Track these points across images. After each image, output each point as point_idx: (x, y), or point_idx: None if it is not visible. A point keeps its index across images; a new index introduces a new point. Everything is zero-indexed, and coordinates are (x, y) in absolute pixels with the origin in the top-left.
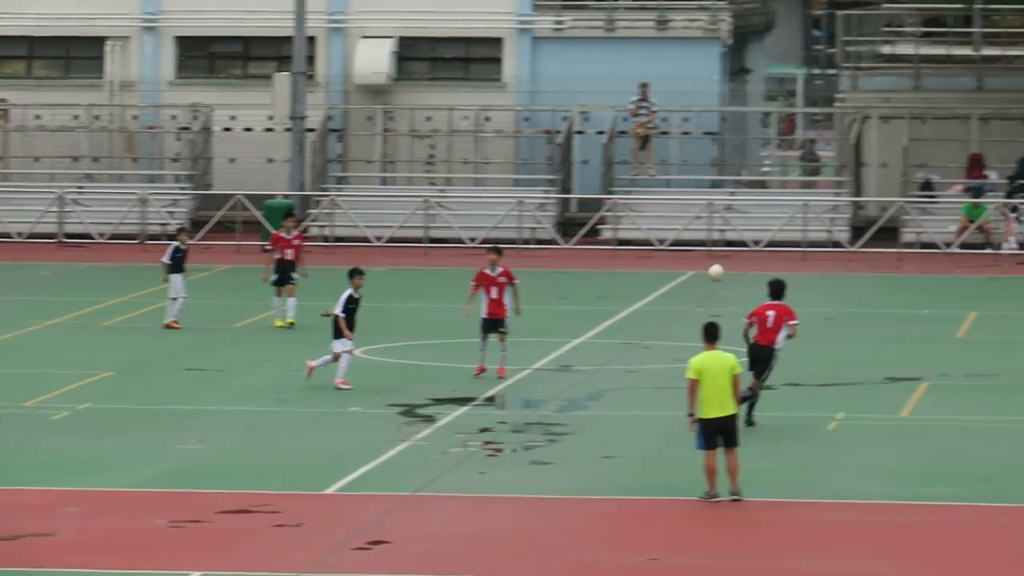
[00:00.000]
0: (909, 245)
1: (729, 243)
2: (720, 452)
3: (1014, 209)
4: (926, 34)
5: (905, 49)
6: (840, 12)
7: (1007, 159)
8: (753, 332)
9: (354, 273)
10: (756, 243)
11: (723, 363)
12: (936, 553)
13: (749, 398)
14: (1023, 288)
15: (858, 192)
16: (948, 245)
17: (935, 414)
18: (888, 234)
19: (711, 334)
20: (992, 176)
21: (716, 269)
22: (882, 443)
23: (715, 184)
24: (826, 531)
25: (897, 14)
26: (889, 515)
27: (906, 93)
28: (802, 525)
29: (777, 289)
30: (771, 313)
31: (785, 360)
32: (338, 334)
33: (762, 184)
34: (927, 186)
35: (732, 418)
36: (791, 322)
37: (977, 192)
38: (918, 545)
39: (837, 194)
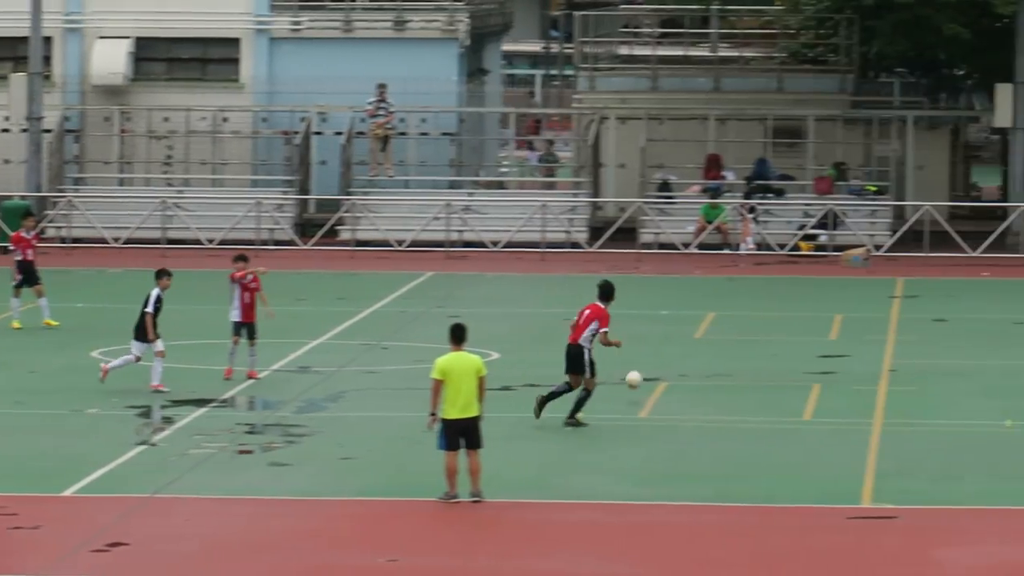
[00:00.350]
0: (647, 246)
1: (467, 244)
2: (462, 453)
3: (751, 210)
4: (663, 35)
5: (642, 50)
6: (577, 13)
7: (744, 160)
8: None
9: (161, 274)
10: (495, 244)
11: (469, 365)
12: (676, 553)
13: (562, 392)
14: (760, 288)
15: (596, 193)
16: (686, 245)
17: (674, 414)
18: (627, 235)
19: (457, 335)
20: (730, 177)
21: (634, 377)
22: (622, 443)
23: (453, 185)
24: (567, 532)
25: (634, 15)
26: (630, 515)
27: (643, 94)
28: (543, 526)
29: (602, 291)
30: (586, 312)
31: (522, 361)
32: (141, 335)
33: (500, 185)
34: (665, 187)
35: (475, 420)
36: (602, 329)
37: (715, 193)
38: (659, 545)
39: (575, 195)
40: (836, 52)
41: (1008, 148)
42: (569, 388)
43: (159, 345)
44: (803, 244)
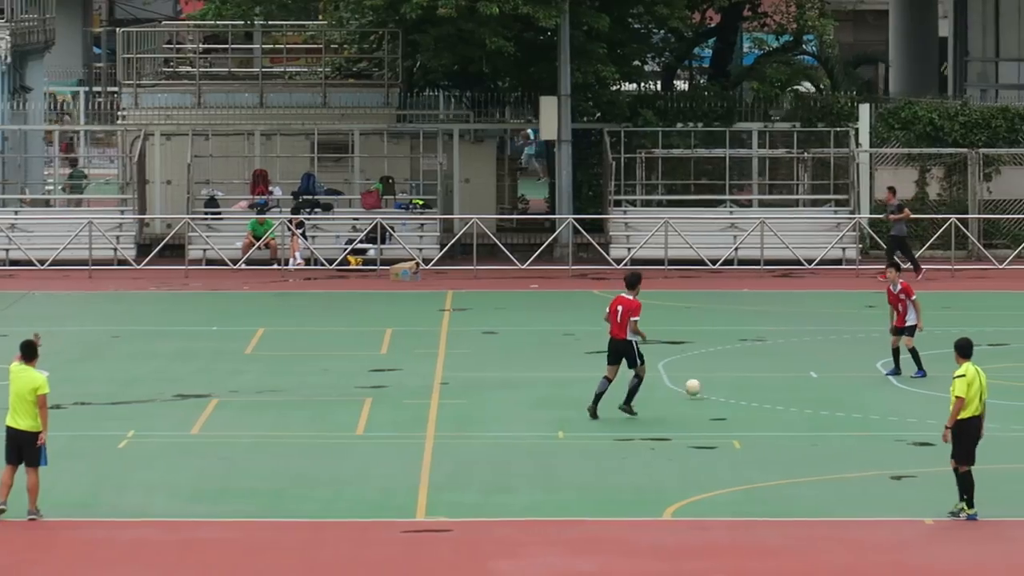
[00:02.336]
0: (196, 262)
1: (14, 262)
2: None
3: (299, 225)
4: (207, 51)
5: (187, 66)
6: (120, 29)
7: (291, 175)
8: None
9: None
10: (42, 263)
11: (28, 382)
12: (229, 569)
13: (605, 390)
14: (310, 303)
15: (143, 209)
16: (235, 262)
17: (225, 430)
18: (175, 251)
19: (28, 352)
20: (277, 192)
21: (693, 385)
22: (173, 460)
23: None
24: (120, 550)
25: (177, 31)
26: (183, 532)
27: (188, 110)
28: (96, 545)
29: (628, 282)
30: (619, 307)
31: (71, 379)
32: None
33: (46, 203)
34: (212, 202)
35: (29, 434)
36: (633, 318)
37: (262, 208)
38: (212, 562)
39: (122, 212)
40: (380, 66)
41: (554, 161)
42: (609, 383)
43: None
44: (352, 259)
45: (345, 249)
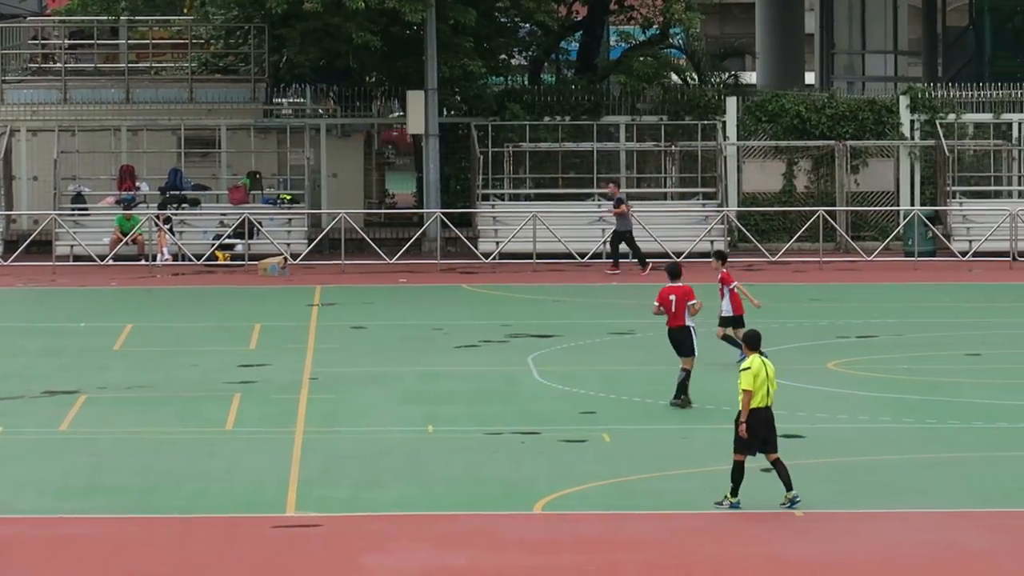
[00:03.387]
0: (63, 258)
1: None
2: None
3: (167, 220)
4: (73, 46)
5: (52, 61)
6: None
7: (158, 170)
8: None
9: None
10: None
11: None
12: (98, 566)
13: (685, 378)
14: (177, 298)
15: (9, 206)
16: (103, 257)
17: (94, 427)
18: (42, 247)
19: None
20: (144, 188)
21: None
22: (42, 457)
23: None
24: None
25: (43, 26)
26: (52, 528)
27: (55, 106)
28: None
29: (671, 273)
30: (671, 296)
31: None
32: None
33: None
34: (79, 198)
35: None
36: (690, 301)
37: (129, 204)
38: (81, 558)
39: None
40: (247, 61)
41: (421, 155)
42: (687, 372)
43: None
44: (220, 254)
45: (213, 244)
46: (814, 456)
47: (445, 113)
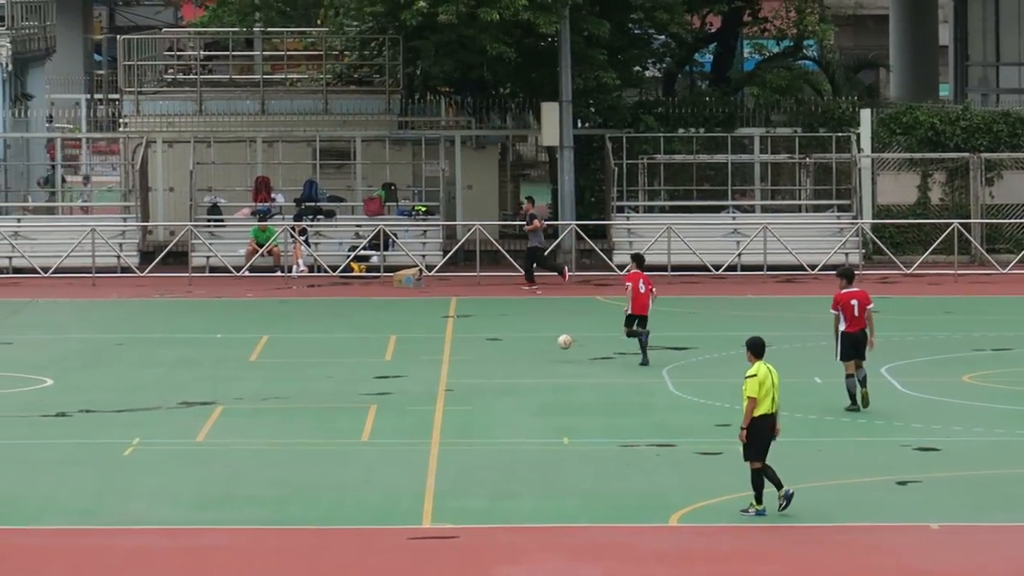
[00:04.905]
0: (199, 269)
1: (17, 270)
2: None
3: (302, 232)
4: (208, 58)
5: (188, 73)
6: (121, 36)
7: (293, 182)
8: (843, 325)
9: None
10: (45, 270)
11: None
12: None
13: (862, 380)
14: (313, 310)
15: (146, 217)
16: (238, 269)
17: (231, 438)
18: (178, 258)
19: None
20: (279, 199)
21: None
22: (178, 468)
23: (1, 211)
24: (123, 558)
25: (178, 38)
26: (185, 539)
27: (190, 117)
28: (98, 552)
29: (850, 275)
30: (854, 302)
31: (76, 387)
32: None
33: (50, 211)
34: (215, 210)
35: None
36: (868, 306)
37: (264, 215)
38: (215, 569)
39: (125, 219)
40: (381, 73)
41: (556, 166)
42: (854, 379)
43: None
44: (355, 265)
45: (348, 256)
46: (949, 469)
47: (579, 125)
